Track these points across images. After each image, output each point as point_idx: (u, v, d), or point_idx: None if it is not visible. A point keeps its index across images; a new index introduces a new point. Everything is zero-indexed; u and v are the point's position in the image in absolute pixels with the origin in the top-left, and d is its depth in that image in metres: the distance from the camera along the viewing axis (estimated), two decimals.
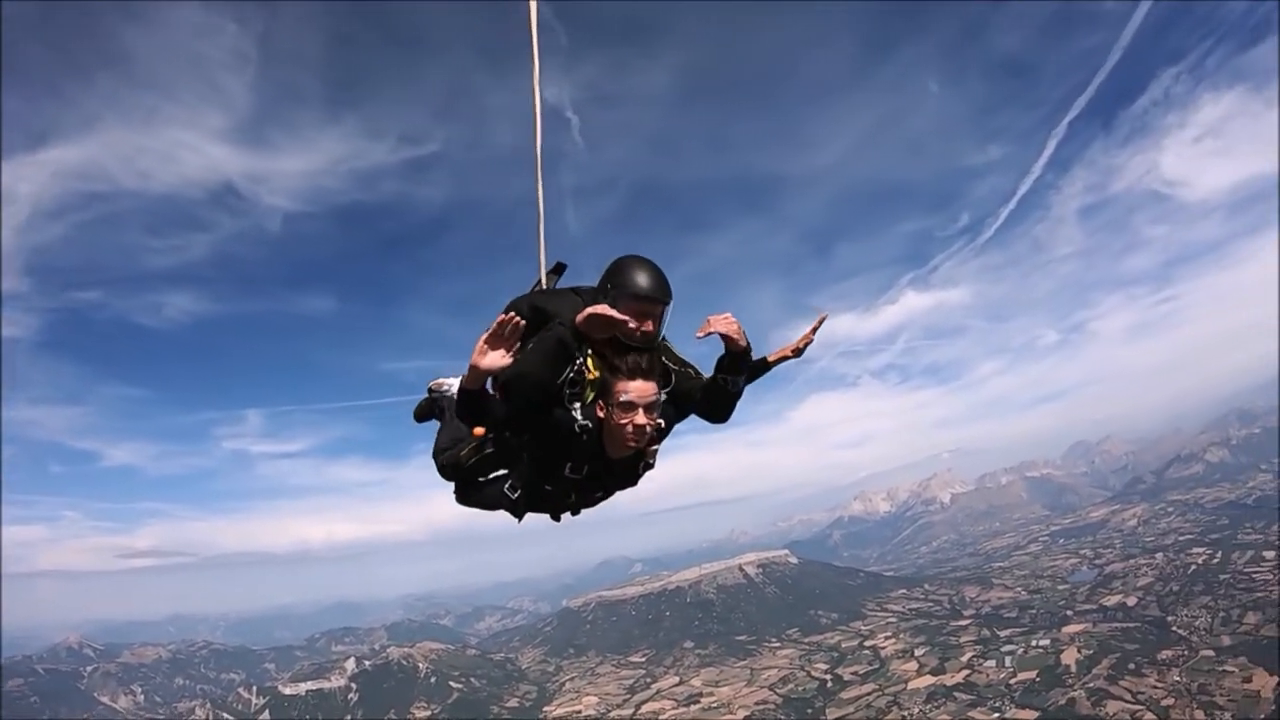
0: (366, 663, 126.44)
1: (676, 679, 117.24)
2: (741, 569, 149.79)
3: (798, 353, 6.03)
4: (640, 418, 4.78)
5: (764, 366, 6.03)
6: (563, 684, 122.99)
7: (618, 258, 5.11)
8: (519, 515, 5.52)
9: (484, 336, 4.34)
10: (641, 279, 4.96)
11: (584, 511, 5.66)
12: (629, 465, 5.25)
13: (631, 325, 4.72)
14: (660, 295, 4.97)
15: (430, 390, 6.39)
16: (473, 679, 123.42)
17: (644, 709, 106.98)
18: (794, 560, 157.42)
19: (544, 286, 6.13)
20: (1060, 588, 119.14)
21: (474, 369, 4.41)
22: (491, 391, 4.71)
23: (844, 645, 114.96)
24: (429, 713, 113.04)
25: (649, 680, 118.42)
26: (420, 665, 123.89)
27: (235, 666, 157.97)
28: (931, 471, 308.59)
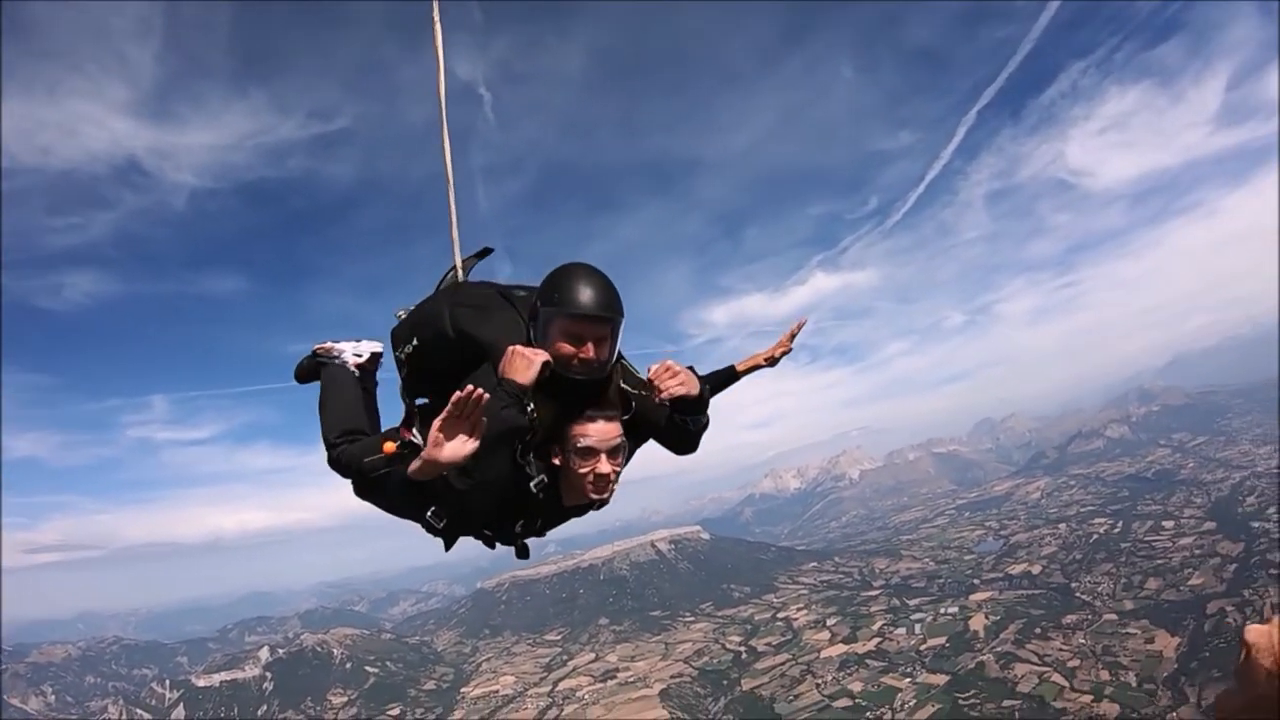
0: (281, 651, 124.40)
1: (592, 655, 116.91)
2: (654, 545, 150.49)
3: (771, 361, 5.47)
4: (603, 465, 4.09)
5: (732, 376, 5.39)
6: (479, 665, 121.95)
7: (555, 269, 4.19)
8: (446, 544, 4.43)
9: (439, 423, 3.48)
10: (580, 293, 4.02)
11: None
12: (582, 507, 4.47)
13: (568, 351, 4.00)
14: (603, 312, 4.06)
15: (316, 353, 5.30)
16: (388, 663, 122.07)
17: (561, 686, 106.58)
18: (706, 536, 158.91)
19: (460, 277, 5.05)
20: (967, 558, 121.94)
21: (430, 464, 3.54)
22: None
23: (757, 618, 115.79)
24: (345, 698, 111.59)
25: (565, 658, 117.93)
26: (335, 651, 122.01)
27: (147, 661, 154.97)
28: (841, 449, 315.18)
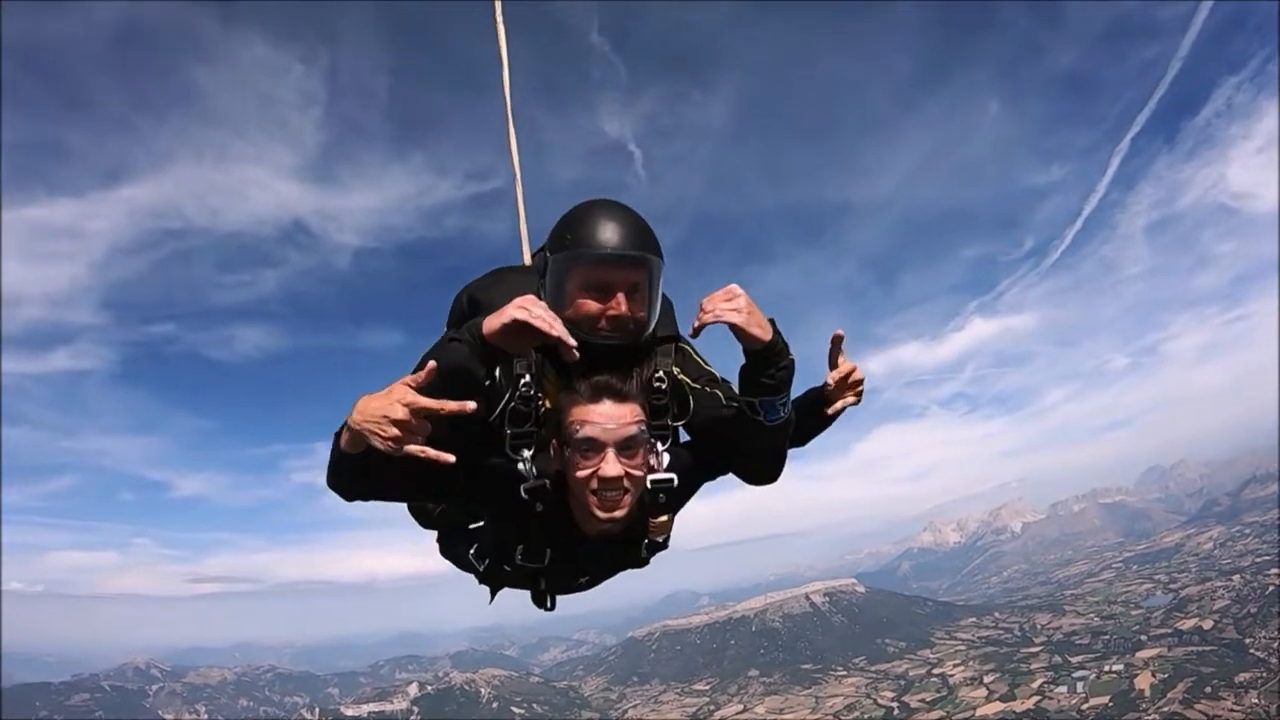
0: (429, 687, 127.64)
1: (740, 707, 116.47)
2: (808, 598, 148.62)
3: (850, 392, 3.71)
4: (610, 465, 2.98)
5: (823, 419, 3.71)
6: (625, 712, 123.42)
7: (569, 210, 3.29)
8: (490, 592, 3.78)
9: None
10: (601, 230, 3.11)
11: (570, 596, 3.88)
12: (623, 546, 3.46)
13: (592, 309, 3.09)
14: (632, 249, 3.12)
15: None
16: (535, 705, 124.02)
17: None
18: (861, 589, 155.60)
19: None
20: (1134, 613, 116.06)
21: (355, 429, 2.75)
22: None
23: (911, 673, 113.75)
24: None
25: (712, 708, 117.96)
26: (483, 691, 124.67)
27: (299, 690, 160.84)
28: (1001, 500, 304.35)
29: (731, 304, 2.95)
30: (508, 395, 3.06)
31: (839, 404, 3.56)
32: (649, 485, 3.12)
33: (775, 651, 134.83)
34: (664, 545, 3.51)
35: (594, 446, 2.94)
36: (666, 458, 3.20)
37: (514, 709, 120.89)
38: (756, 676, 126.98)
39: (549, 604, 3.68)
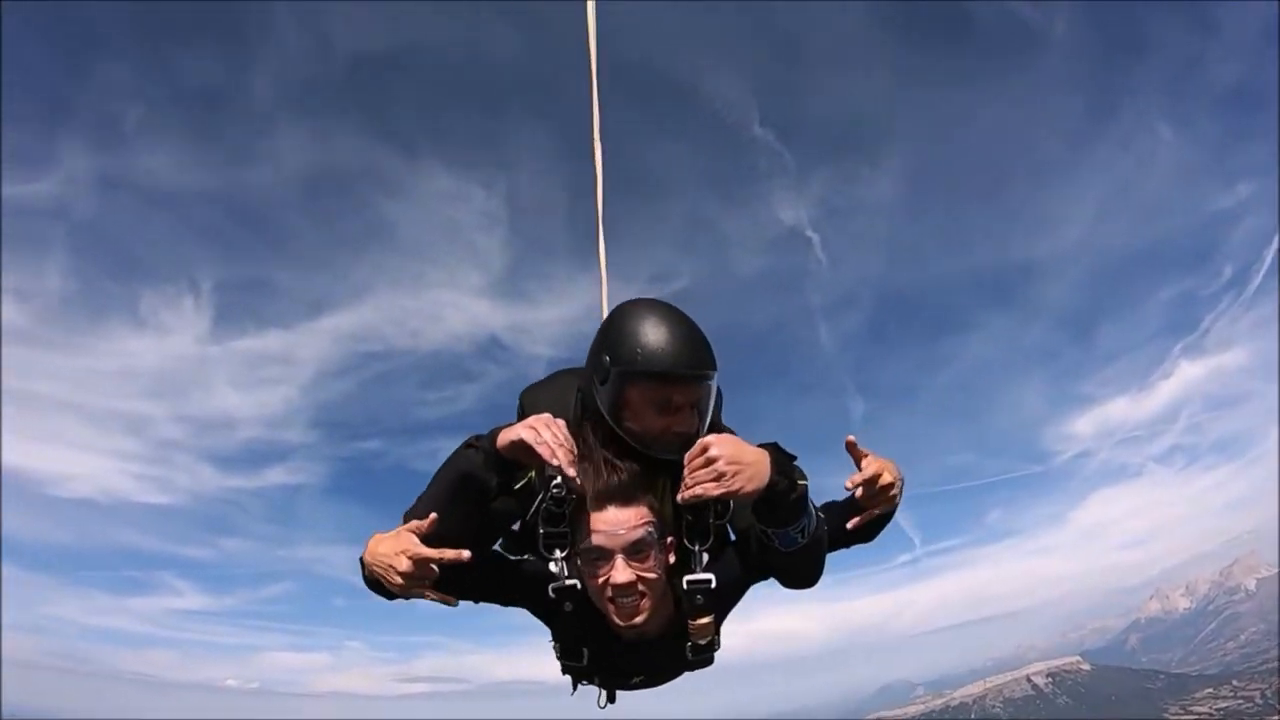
0: None
1: None
2: (1029, 680, 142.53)
3: (881, 500, 3.40)
4: (619, 573, 2.94)
5: (857, 532, 3.49)
6: None
7: (617, 309, 3.21)
8: (571, 683, 3.61)
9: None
10: (663, 345, 2.98)
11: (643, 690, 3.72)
12: (666, 648, 3.32)
13: (656, 426, 3.07)
14: (695, 369, 3.03)
15: None
16: None
17: None
18: (1087, 667, 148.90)
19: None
20: None
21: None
22: None
23: None
24: None
25: None
26: None
27: None
28: (1232, 557, 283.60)
29: (708, 471, 2.85)
30: (540, 496, 2.99)
31: (862, 517, 3.36)
32: (685, 586, 3.09)
33: None
34: (709, 648, 3.35)
35: (602, 555, 2.92)
36: (706, 558, 3.12)
37: None
38: None
39: (603, 701, 3.58)
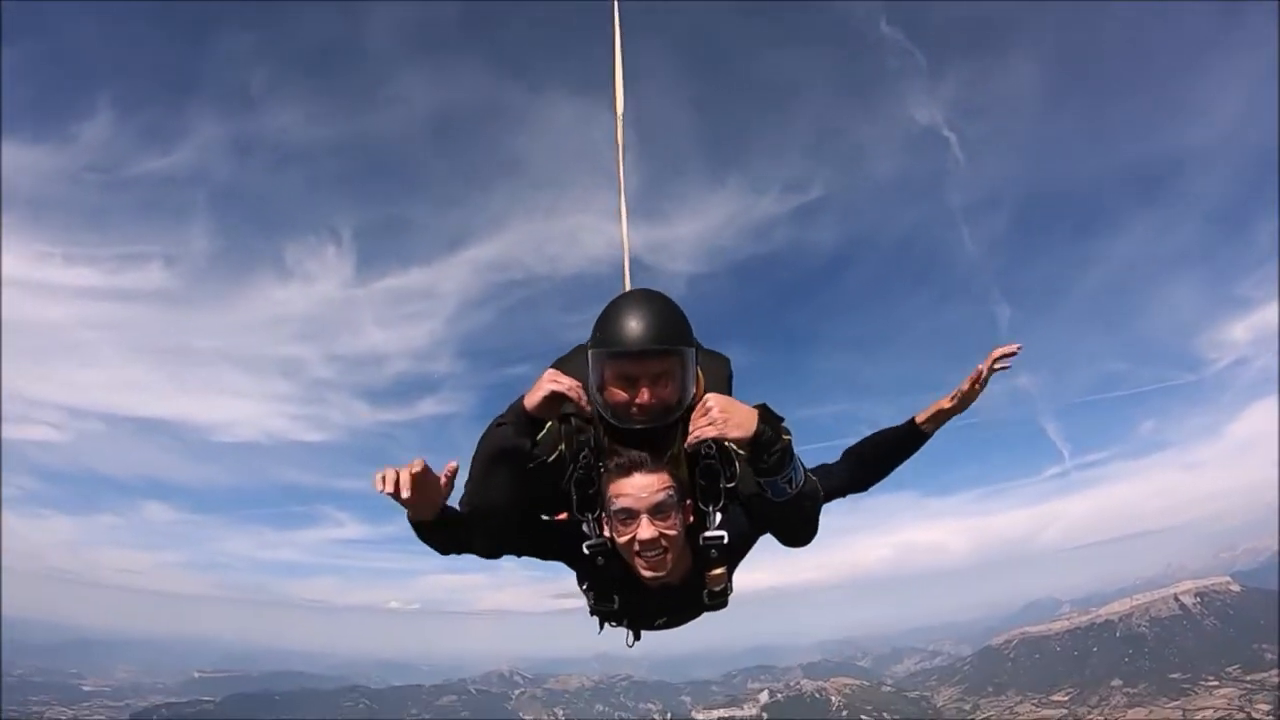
0: (779, 695, 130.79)
1: (1102, 719, 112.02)
2: (1177, 599, 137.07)
3: (962, 401, 4.17)
4: (645, 529, 3.41)
5: (914, 436, 4.25)
6: None
7: (611, 301, 3.64)
8: (599, 623, 4.11)
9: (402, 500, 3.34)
10: (623, 327, 3.43)
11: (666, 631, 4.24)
12: (686, 594, 3.86)
13: (621, 398, 3.46)
14: (652, 345, 3.41)
15: None
16: (885, 714, 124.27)
17: None
18: (1237, 589, 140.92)
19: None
20: None
21: (411, 522, 3.53)
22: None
23: None
24: None
25: None
26: (833, 699, 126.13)
27: (653, 697, 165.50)
28: None
29: (705, 419, 3.34)
30: (572, 466, 3.54)
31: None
32: (701, 542, 3.61)
33: (1141, 659, 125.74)
34: (723, 594, 3.87)
35: (630, 515, 3.39)
36: (719, 517, 3.59)
37: (863, 717, 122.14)
38: (1120, 686, 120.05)
39: (630, 640, 4.16)
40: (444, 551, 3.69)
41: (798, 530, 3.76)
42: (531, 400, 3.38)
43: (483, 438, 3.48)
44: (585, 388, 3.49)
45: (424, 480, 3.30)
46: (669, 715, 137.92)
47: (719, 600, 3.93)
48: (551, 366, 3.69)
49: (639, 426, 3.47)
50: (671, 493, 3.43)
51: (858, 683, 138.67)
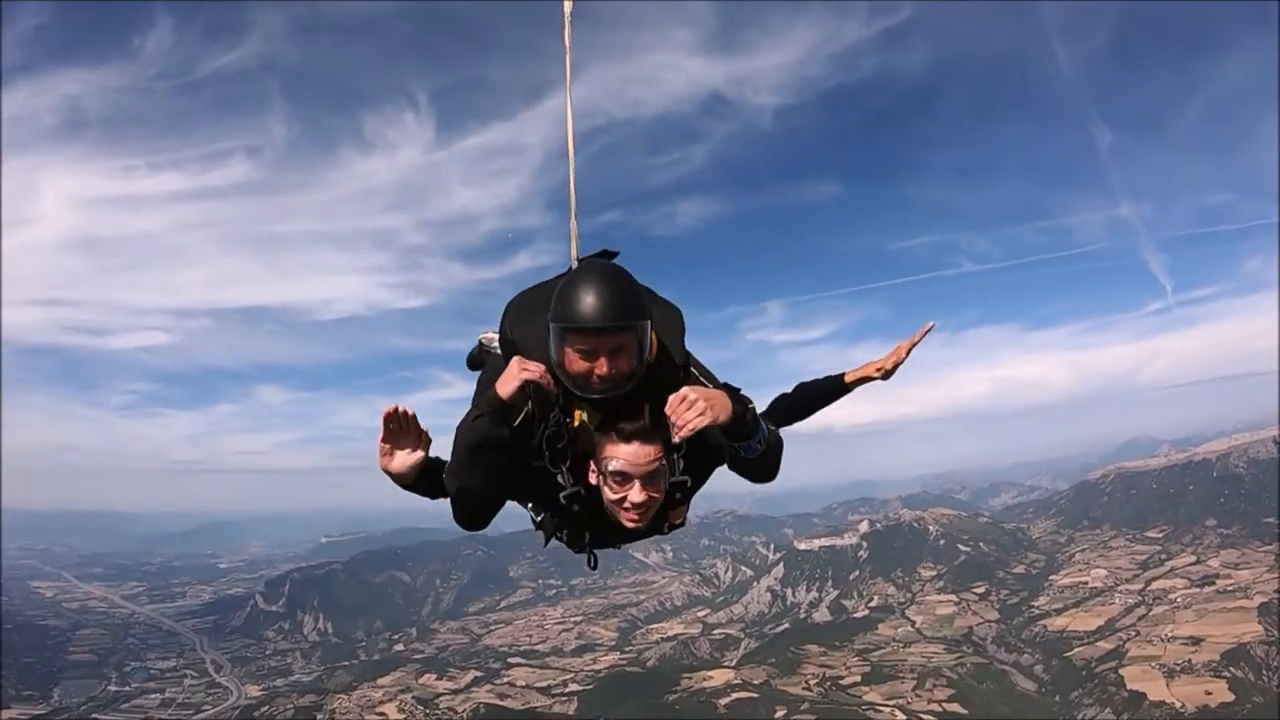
0: (879, 525, 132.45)
1: (1193, 558, 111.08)
2: (1276, 441, 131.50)
3: (885, 374, 4.92)
4: (637, 494, 3.63)
5: (839, 389, 4.95)
6: (1072, 555, 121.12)
7: (569, 276, 3.73)
8: (544, 538, 4.33)
9: (380, 438, 3.67)
10: (580, 303, 3.51)
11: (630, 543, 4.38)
12: (649, 528, 4.05)
13: (581, 369, 3.59)
14: (607, 321, 3.51)
15: (481, 342, 4.97)
16: (981, 544, 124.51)
17: (1154, 585, 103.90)
18: None
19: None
20: None
21: (387, 473, 3.78)
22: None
23: None
24: (934, 572, 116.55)
25: (1164, 557, 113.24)
26: (931, 529, 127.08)
27: (756, 530, 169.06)
28: None
29: (694, 411, 3.43)
30: (542, 426, 3.68)
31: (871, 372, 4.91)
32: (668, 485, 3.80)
33: (1236, 500, 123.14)
34: (682, 524, 4.23)
35: (624, 479, 3.58)
36: (682, 463, 3.82)
37: (960, 546, 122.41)
38: (1213, 527, 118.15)
39: (592, 563, 4.45)
40: (432, 498, 4.04)
41: (765, 472, 4.01)
42: (505, 390, 3.49)
43: (461, 434, 3.59)
44: (547, 361, 3.65)
45: (415, 426, 3.74)
46: (772, 545, 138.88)
47: (677, 528, 4.29)
48: (509, 321, 4.00)
49: (597, 396, 3.63)
50: (663, 463, 3.64)
51: (955, 514, 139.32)
